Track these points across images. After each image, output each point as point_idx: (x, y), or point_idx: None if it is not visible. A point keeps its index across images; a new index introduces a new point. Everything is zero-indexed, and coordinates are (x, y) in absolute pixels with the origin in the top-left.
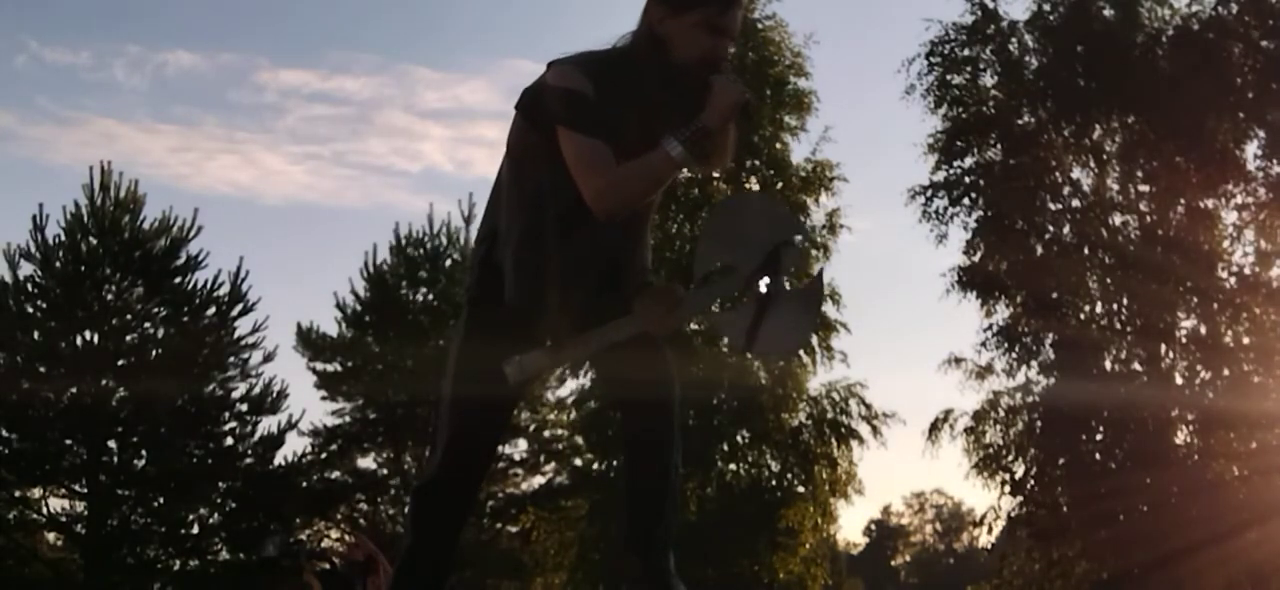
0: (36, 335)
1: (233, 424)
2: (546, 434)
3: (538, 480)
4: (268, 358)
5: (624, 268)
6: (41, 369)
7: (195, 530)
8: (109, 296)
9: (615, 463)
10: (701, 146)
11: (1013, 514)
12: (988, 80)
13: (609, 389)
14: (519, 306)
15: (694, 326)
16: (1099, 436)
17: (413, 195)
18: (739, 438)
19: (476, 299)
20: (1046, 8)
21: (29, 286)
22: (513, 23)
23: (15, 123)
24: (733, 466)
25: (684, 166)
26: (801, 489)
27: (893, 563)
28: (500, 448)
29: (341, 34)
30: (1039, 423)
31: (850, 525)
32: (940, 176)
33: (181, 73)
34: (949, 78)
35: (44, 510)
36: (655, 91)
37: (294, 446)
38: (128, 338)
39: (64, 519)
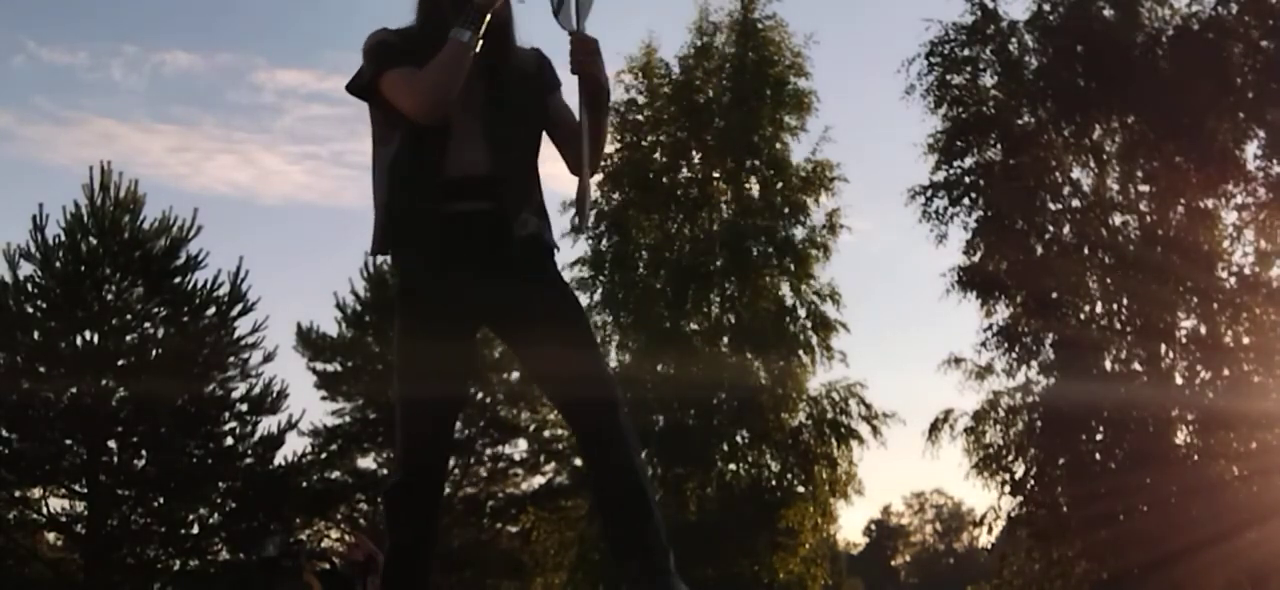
0: (36, 335)
1: (233, 424)
2: (546, 434)
3: (538, 480)
4: (268, 358)
5: (502, 202)
6: (41, 369)
7: (195, 530)
8: (109, 296)
9: None
10: (480, 20)
11: (1013, 514)
12: (988, 80)
13: (543, 390)
14: (400, 278)
15: (694, 326)
16: (1099, 436)
17: None
18: (739, 438)
19: (400, 293)
20: (1046, 8)
21: (29, 286)
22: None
23: (13, 123)
24: (733, 466)
25: (473, 45)
26: (801, 489)
27: (893, 563)
28: (454, 437)
29: (338, 34)
30: (1039, 423)
31: (850, 525)
32: (940, 176)
33: (179, 73)
34: (949, 78)
35: (44, 510)
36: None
37: (294, 446)
38: (128, 338)
39: (64, 519)
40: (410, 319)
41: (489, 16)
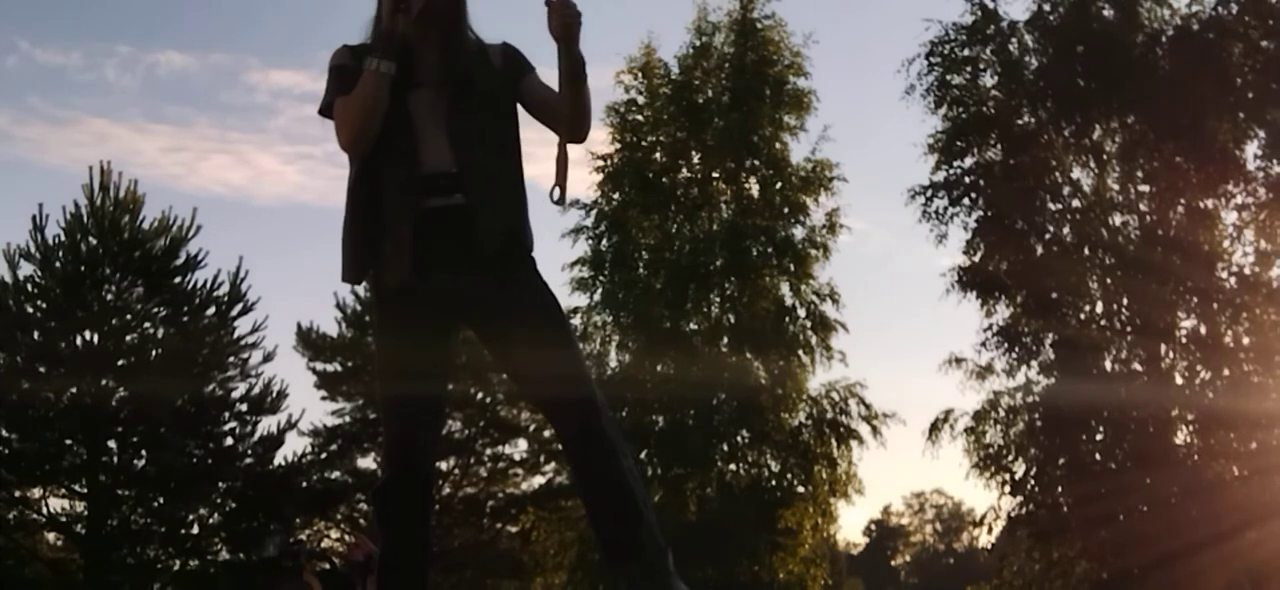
0: (36, 335)
1: (233, 424)
2: (546, 434)
3: (538, 480)
4: (268, 358)
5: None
6: (41, 369)
7: (195, 530)
8: (109, 296)
9: None
10: (388, 48)
11: (1013, 514)
12: (988, 80)
13: (523, 391)
14: (357, 271)
15: (694, 326)
16: (1099, 436)
17: None
18: (739, 438)
19: (378, 293)
20: (1046, 8)
21: (29, 286)
22: (506, 22)
23: (7, 123)
24: (733, 466)
25: (387, 72)
26: (801, 489)
27: (893, 563)
28: (442, 437)
29: (332, 35)
30: (1039, 423)
31: (850, 525)
32: (940, 176)
33: (173, 73)
34: (949, 78)
35: (44, 510)
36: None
37: (294, 446)
38: (128, 338)
39: (64, 519)
40: (389, 319)
41: (397, 39)
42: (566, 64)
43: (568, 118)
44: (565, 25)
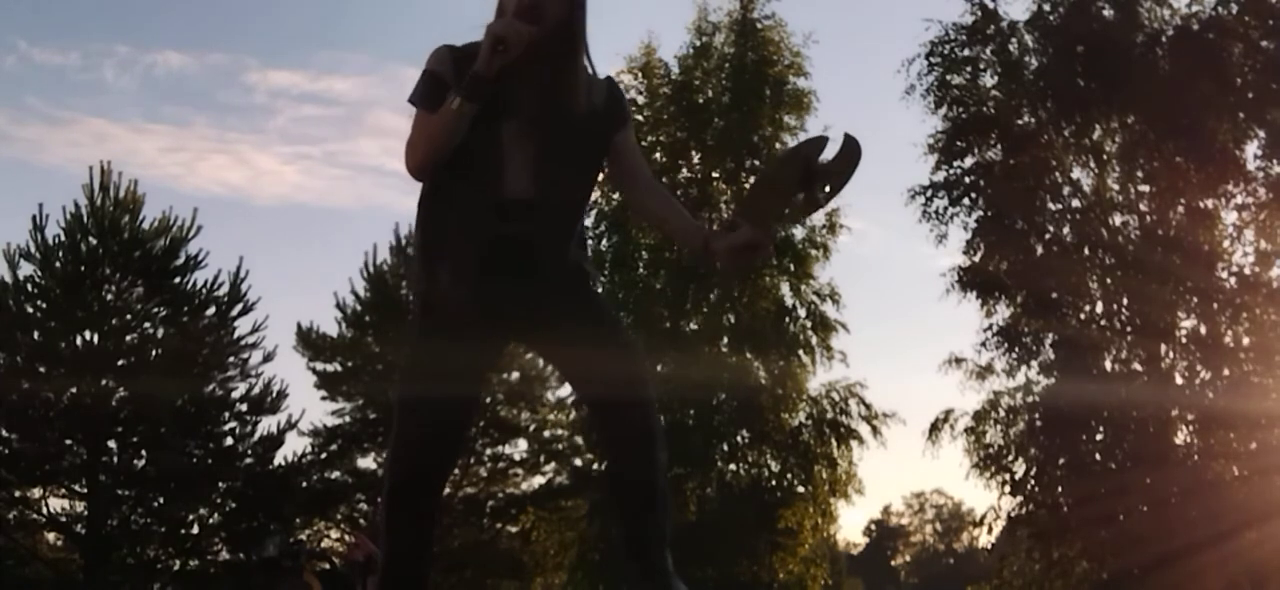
0: (36, 335)
1: (233, 424)
2: (546, 434)
3: (538, 480)
4: (268, 358)
5: (528, 238)
6: (41, 369)
7: (195, 530)
8: (109, 296)
9: None
10: (476, 90)
11: (1013, 514)
12: (988, 80)
13: (578, 389)
14: (426, 291)
15: (694, 326)
16: (1099, 436)
17: (405, 196)
18: (739, 438)
19: (425, 301)
20: (1046, 8)
21: (29, 286)
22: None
23: (6, 123)
24: (733, 466)
25: (465, 111)
26: (801, 489)
27: (893, 563)
28: (466, 446)
29: (330, 35)
30: (1039, 423)
31: (850, 525)
32: (940, 176)
33: (170, 73)
34: (949, 78)
35: (44, 510)
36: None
37: (294, 446)
38: (128, 338)
39: (64, 519)
40: (439, 325)
41: (489, 81)
42: (702, 255)
43: (656, 229)
44: (750, 262)
